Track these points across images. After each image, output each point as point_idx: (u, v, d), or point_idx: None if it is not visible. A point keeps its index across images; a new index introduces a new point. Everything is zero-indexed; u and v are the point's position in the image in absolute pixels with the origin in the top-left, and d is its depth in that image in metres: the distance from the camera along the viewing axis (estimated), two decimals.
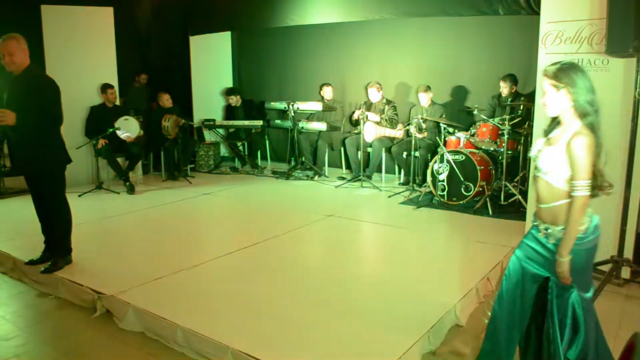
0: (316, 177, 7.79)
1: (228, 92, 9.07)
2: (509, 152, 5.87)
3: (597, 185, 2.25)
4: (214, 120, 8.92)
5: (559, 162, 2.25)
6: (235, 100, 8.90)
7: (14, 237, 4.99)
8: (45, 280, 4.06)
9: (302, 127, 8.05)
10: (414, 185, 6.59)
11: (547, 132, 2.40)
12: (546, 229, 2.37)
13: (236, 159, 9.09)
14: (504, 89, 6.35)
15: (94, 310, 3.62)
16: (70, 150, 4.22)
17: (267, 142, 8.97)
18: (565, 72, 2.27)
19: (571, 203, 2.22)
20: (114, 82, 7.68)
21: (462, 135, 6.21)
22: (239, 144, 9.01)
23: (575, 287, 2.31)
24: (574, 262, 2.25)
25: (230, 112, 9.02)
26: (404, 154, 7.03)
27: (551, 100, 2.30)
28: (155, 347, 3.16)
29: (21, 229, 5.23)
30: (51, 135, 4.04)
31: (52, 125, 4.00)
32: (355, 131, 7.49)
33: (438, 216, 5.68)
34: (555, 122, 2.38)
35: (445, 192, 5.96)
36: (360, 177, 7.18)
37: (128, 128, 7.16)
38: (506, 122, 5.68)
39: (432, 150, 6.77)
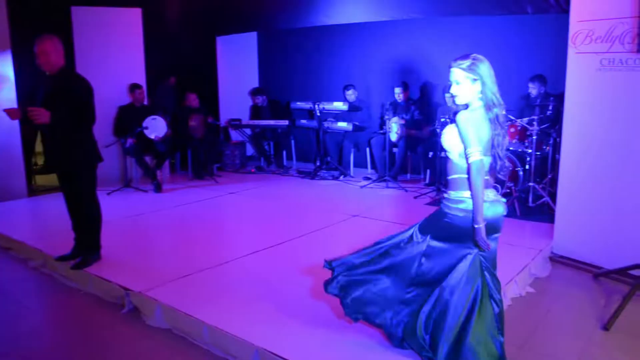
0: (341, 177, 7.78)
1: (254, 92, 9.12)
2: (538, 153, 5.78)
3: (497, 169, 2.55)
4: (239, 120, 8.98)
5: (455, 140, 2.50)
6: (261, 100, 8.94)
7: (45, 234, 5.10)
8: (74, 276, 4.14)
9: (328, 127, 8.06)
10: (440, 186, 6.54)
11: (453, 119, 2.58)
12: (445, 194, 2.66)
13: (262, 159, 9.14)
14: (533, 89, 6.25)
15: (122, 306, 3.68)
16: (100, 149, 4.29)
17: (292, 142, 8.99)
18: (478, 65, 2.49)
19: (469, 170, 2.44)
20: (143, 82, 7.80)
21: None
22: (265, 143, 9.04)
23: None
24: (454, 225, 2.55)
25: (256, 112, 9.06)
26: (430, 154, 6.99)
27: (464, 90, 2.52)
28: (182, 344, 3.20)
29: (52, 225, 5.35)
30: (84, 134, 4.11)
31: (85, 124, 4.07)
32: (381, 131, 7.47)
33: None
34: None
35: None
36: (385, 177, 7.16)
37: (156, 127, 7.26)
38: (535, 123, 5.60)
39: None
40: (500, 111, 2.51)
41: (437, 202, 6.17)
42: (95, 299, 3.89)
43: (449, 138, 2.55)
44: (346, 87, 8.08)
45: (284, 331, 3.06)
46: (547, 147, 5.88)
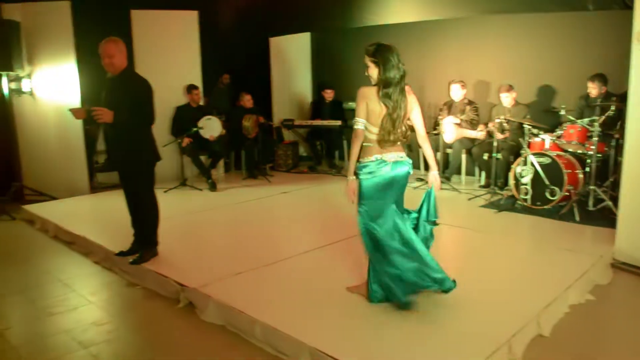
0: None
1: (324, 86, 9.05)
2: (599, 155, 5.57)
3: (387, 138, 3.22)
4: (292, 120, 9.04)
5: None
6: (330, 95, 8.88)
7: (106, 230, 5.27)
8: (133, 271, 4.27)
9: None
10: (495, 188, 6.41)
11: None
12: None
13: (314, 159, 9.17)
14: (593, 89, 6.02)
15: (177, 301, 3.77)
16: (158, 148, 4.41)
17: (344, 142, 8.99)
18: (380, 52, 3.15)
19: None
20: (199, 83, 7.95)
21: (547, 137, 5.96)
22: (318, 143, 9.08)
23: (360, 209, 3.31)
24: (359, 186, 3.29)
25: (318, 108, 9.02)
26: (485, 155, 6.85)
27: (371, 72, 3.23)
28: (235, 340, 3.25)
29: (112, 222, 5.52)
30: (144, 134, 4.23)
31: (145, 124, 4.19)
32: (434, 132, 7.36)
33: (520, 221, 5.48)
34: None
35: (528, 196, 5.75)
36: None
37: (211, 127, 7.39)
38: (595, 124, 5.40)
39: (515, 152, 6.53)
40: (391, 90, 3.17)
41: (492, 204, 6.06)
42: (152, 293, 3.99)
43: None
44: None
45: (336, 331, 3.06)
46: (609, 149, 5.66)
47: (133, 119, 4.08)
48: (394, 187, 3.29)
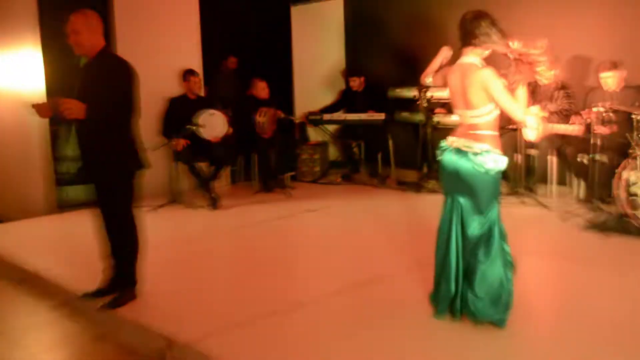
0: None
1: (349, 73, 9.10)
2: None
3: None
4: (320, 114, 8.96)
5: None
6: (358, 83, 8.86)
7: (71, 263, 5.23)
8: (104, 319, 4.19)
9: (438, 122, 7.90)
10: (599, 202, 6.21)
11: None
12: None
13: (350, 165, 9.05)
14: None
15: None
16: (145, 152, 4.36)
17: (390, 142, 8.82)
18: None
19: None
20: (198, 68, 7.96)
21: None
22: (354, 144, 9.00)
23: None
24: None
25: (348, 99, 9.04)
26: (584, 158, 6.62)
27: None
28: None
29: (79, 252, 5.46)
30: (124, 134, 4.21)
31: (126, 122, 4.18)
32: (512, 126, 7.13)
33: (636, 248, 5.31)
34: None
35: None
36: (519, 191, 6.92)
37: (213, 125, 7.35)
38: None
39: (624, 152, 6.27)
40: None
41: (595, 225, 5.90)
42: (129, 350, 3.91)
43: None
44: None
45: None
46: None
47: (110, 114, 4.06)
48: (454, 181, 3.75)
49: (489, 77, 3.54)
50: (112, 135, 4.15)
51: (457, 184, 3.73)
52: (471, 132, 3.66)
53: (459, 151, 3.68)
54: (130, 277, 4.35)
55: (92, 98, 4.00)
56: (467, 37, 3.66)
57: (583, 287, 4.48)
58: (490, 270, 3.61)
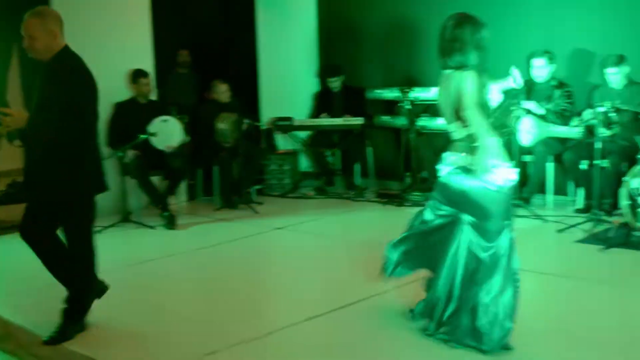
0: None
1: (327, 72, 9.12)
2: None
3: None
4: (290, 119, 9.01)
5: None
6: (337, 84, 8.95)
7: (8, 293, 5.22)
8: (49, 355, 4.14)
9: (423, 126, 7.96)
10: (601, 212, 6.33)
11: None
12: None
13: (324, 176, 9.13)
14: None
15: None
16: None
17: (369, 149, 8.94)
18: None
19: None
20: (149, 68, 7.96)
21: None
22: (328, 153, 9.05)
23: None
24: None
25: (325, 102, 9.07)
26: (584, 163, 6.79)
27: None
28: None
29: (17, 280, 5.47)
30: (76, 149, 4.21)
31: (78, 135, 4.19)
32: (505, 129, 7.28)
33: None
34: None
35: None
36: (514, 201, 6.94)
37: (167, 133, 7.37)
38: None
39: (630, 157, 6.44)
40: None
41: (596, 237, 6.02)
42: None
43: None
44: None
45: None
46: None
47: (61, 126, 4.05)
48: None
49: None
50: (64, 149, 4.14)
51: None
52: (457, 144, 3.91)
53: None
54: (80, 306, 4.34)
55: (42, 107, 4.06)
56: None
57: (583, 305, 4.57)
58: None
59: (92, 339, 4.23)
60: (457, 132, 3.90)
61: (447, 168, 3.92)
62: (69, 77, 4.14)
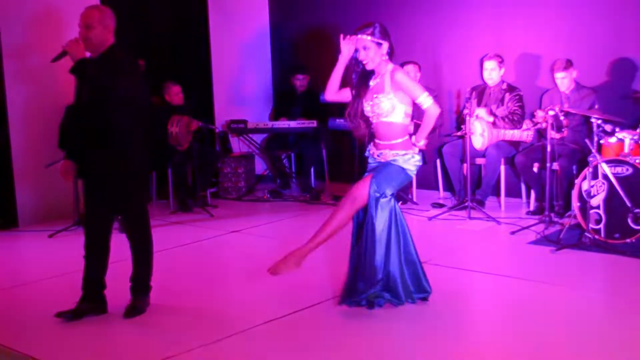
0: (399, 204, 7.68)
1: (294, 70, 9.13)
2: None
3: None
4: (245, 121, 8.98)
5: (395, 102, 4.46)
6: (303, 82, 8.97)
7: None
8: None
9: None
10: (552, 214, 6.44)
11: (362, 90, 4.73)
12: (379, 155, 4.74)
13: (278, 179, 9.15)
14: None
15: None
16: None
17: (324, 152, 8.97)
18: (385, 31, 4.47)
19: (426, 115, 4.56)
20: None
21: (627, 136, 5.99)
22: (284, 156, 9.11)
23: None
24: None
25: (288, 102, 9.08)
26: (535, 166, 6.89)
27: (374, 55, 4.49)
28: None
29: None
30: (138, 135, 4.84)
31: (139, 123, 4.74)
32: (458, 133, 7.36)
33: (592, 263, 5.52)
34: (364, 79, 4.75)
35: (601, 225, 5.78)
36: (467, 204, 7.06)
37: None
38: None
39: (579, 159, 6.56)
40: None
41: (547, 239, 6.09)
42: None
43: (390, 104, 4.52)
44: (405, 64, 7.97)
45: None
46: None
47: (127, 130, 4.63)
48: None
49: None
50: (131, 136, 4.73)
51: None
52: None
53: None
54: (149, 284, 4.86)
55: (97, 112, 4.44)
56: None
57: (533, 305, 4.63)
58: None
59: (36, 340, 4.27)
60: None
61: None
62: (128, 68, 4.54)
